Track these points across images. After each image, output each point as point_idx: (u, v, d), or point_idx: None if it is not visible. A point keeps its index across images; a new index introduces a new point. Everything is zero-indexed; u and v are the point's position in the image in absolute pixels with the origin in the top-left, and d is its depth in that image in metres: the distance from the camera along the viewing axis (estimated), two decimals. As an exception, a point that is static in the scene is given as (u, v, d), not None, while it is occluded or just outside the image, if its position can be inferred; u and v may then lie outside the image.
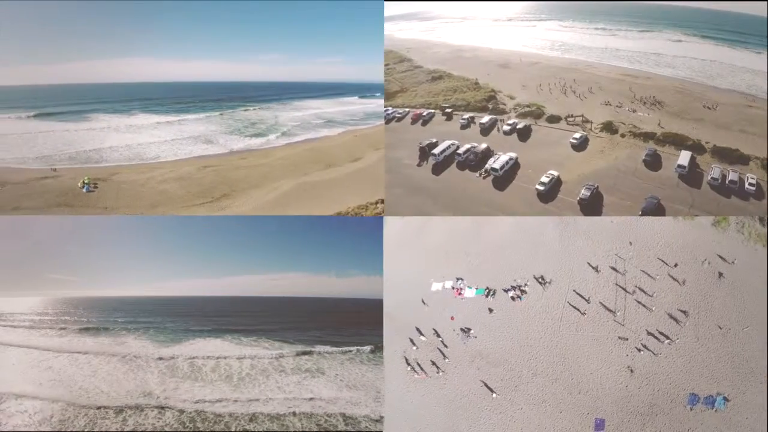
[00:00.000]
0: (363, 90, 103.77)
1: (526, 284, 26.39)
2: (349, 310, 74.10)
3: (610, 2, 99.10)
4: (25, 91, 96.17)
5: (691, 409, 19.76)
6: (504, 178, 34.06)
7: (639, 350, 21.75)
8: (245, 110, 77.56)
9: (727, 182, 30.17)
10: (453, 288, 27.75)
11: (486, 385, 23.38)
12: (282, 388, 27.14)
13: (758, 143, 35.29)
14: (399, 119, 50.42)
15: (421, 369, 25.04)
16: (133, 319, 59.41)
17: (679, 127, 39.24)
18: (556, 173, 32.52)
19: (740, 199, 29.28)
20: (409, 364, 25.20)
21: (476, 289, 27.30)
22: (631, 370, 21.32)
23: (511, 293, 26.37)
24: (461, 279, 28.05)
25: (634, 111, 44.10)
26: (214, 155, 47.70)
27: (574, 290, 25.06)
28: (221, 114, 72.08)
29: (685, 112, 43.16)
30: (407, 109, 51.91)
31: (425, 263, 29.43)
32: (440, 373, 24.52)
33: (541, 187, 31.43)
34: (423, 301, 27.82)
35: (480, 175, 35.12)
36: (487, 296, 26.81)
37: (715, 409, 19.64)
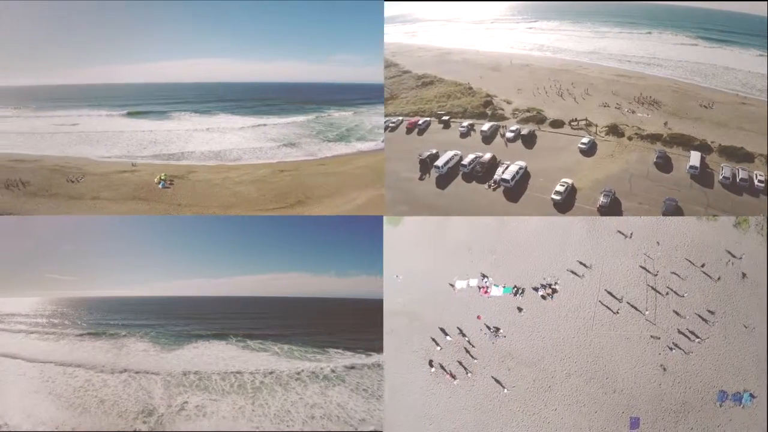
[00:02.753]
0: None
1: (556, 282, 27.57)
2: (353, 311, 75.60)
3: (597, 2, 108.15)
4: (113, 89, 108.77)
5: (720, 406, 21.62)
6: (515, 188, 35.09)
7: (671, 349, 23.59)
8: (339, 113, 79.23)
9: (738, 180, 32.98)
10: (479, 287, 28.74)
11: (497, 381, 24.68)
12: (304, 401, 26.16)
13: (758, 140, 38.85)
14: (393, 129, 51.26)
15: (444, 370, 25.38)
16: (134, 321, 61.14)
17: (679, 127, 42.60)
18: (570, 181, 33.96)
19: (752, 196, 32.24)
20: (432, 366, 25.76)
21: (503, 287, 28.33)
22: (664, 369, 23.04)
23: (541, 292, 27.50)
24: (487, 277, 29.06)
25: (633, 112, 47.52)
26: (293, 160, 49.44)
27: (605, 289, 26.75)
28: (317, 117, 73.70)
29: (682, 112, 47.01)
30: (400, 118, 53.09)
31: (448, 262, 30.31)
32: (468, 375, 25.24)
33: (556, 197, 32.63)
34: (451, 285, 28.80)
35: (489, 186, 36.00)
36: (515, 295, 27.86)
37: (742, 405, 21.51)
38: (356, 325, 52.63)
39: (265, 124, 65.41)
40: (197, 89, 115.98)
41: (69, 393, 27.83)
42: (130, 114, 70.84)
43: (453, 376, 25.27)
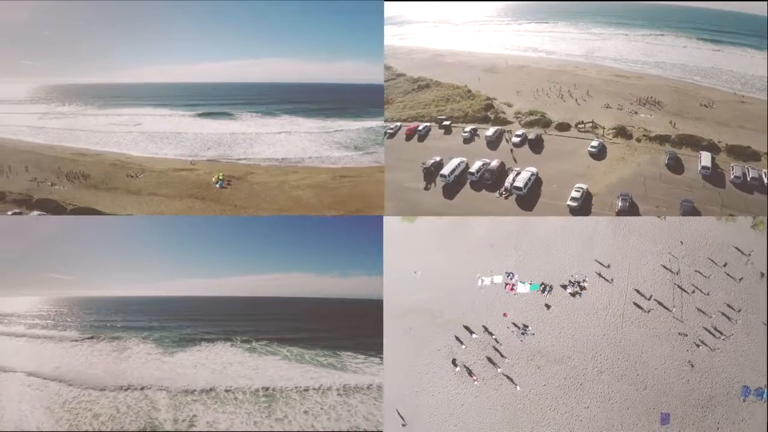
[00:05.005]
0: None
1: (584, 280, 29.28)
2: (357, 311, 76.55)
3: (588, 3, 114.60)
4: (176, 88, 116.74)
5: (744, 401, 23.76)
6: (528, 196, 35.94)
7: (698, 346, 25.84)
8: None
9: (748, 179, 35.32)
10: (505, 284, 30.25)
11: (509, 378, 26.31)
12: (326, 412, 25.93)
13: (759, 138, 41.47)
14: (391, 135, 51.86)
15: (468, 371, 26.55)
16: (134, 322, 63.09)
17: (682, 127, 45.05)
18: (584, 186, 35.21)
19: (762, 194, 34.51)
20: (456, 366, 26.81)
21: (530, 284, 29.81)
22: (692, 365, 25.18)
23: (569, 289, 29.16)
24: (512, 273, 30.49)
25: (636, 113, 50.21)
26: (356, 166, 50.07)
27: (633, 288, 28.89)
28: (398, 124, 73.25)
29: (684, 111, 49.89)
30: (398, 124, 53.85)
31: (469, 258, 31.87)
32: (498, 370, 26.69)
33: (573, 203, 33.75)
34: (480, 279, 30.20)
35: (500, 195, 36.83)
36: (543, 292, 29.39)
37: (764, 400, 23.71)
38: (363, 326, 52.67)
39: (332, 128, 66.44)
40: (262, 90, 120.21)
41: (57, 406, 26.50)
42: (199, 115, 74.76)
43: (473, 377, 26.12)
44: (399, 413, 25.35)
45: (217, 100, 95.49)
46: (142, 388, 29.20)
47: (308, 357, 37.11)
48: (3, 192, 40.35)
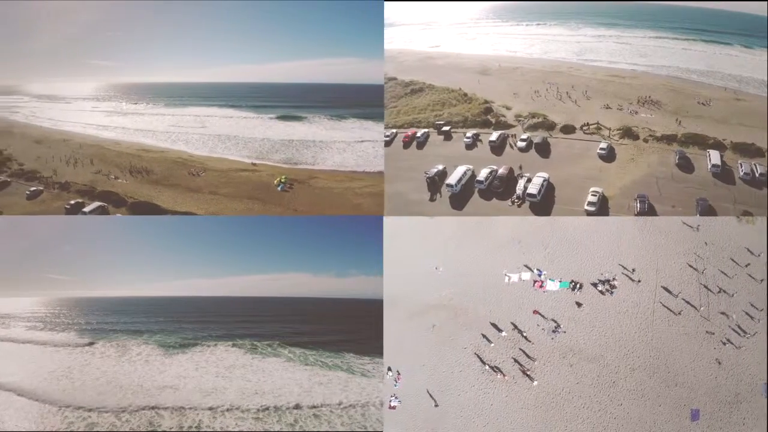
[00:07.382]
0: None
1: (614, 278, 30.70)
2: (357, 311, 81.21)
3: (579, 3, 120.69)
4: (247, 88, 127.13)
5: (766, 397, 25.08)
6: (542, 203, 36.45)
7: (724, 344, 27.50)
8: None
9: (757, 175, 37.35)
10: (534, 281, 31.38)
11: (525, 374, 27.22)
12: (340, 416, 26.12)
13: (759, 135, 44.06)
14: (387, 143, 52.06)
15: (498, 369, 27.25)
16: (133, 323, 65.40)
17: (684, 126, 47.60)
18: (600, 189, 36.13)
19: (772, 191, 36.67)
20: (485, 364, 27.38)
21: (560, 281, 31.02)
22: (719, 362, 26.78)
23: (599, 287, 30.57)
24: (541, 271, 31.65)
25: (636, 113, 52.64)
26: None
27: (662, 286, 30.61)
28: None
29: (683, 110, 52.59)
30: (394, 131, 53.96)
31: (495, 255, 33.26)
32: (533, 365, 27.38)
33: (591, 208, 34.52)
34: (507, 276, 31.54)
35: (513, 202, 37.26)
36: (573, 290, 30.66)
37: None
38: (365, 326, 53.49)
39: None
40: (331, 90, 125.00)
41: (50, 415, 25.91)
42: (281, 117, 79.09)
43: (504, 376, 26.79)
44: (430, 394, 26.07)
45: (285, 101, 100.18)
46: (141, 392, 28.96)
47: (312, 359, 37.90)
48: (68, 182, 44.21)
